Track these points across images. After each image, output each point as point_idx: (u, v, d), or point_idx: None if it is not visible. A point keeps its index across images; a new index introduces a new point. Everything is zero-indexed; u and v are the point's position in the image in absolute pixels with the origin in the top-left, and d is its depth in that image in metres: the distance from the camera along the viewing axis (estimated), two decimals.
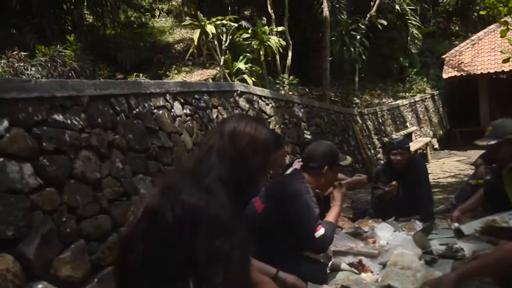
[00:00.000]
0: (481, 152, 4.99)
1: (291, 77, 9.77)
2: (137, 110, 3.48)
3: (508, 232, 2.57)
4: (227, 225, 1.35)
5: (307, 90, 11.27)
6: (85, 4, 11.91)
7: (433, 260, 2.85)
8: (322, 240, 2.34)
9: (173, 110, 4.06)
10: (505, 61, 12.25)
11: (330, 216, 2.58)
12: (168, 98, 3.99)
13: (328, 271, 2.61)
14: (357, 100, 12.21)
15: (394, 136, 4.18)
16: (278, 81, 9.34)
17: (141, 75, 8.92)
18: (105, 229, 2.88)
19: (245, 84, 6.04)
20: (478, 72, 14.60)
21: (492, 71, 14.26)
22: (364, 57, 12.62)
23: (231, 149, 1.48)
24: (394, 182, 3.83)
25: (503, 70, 13.87)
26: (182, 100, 4.28)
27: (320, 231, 2.33)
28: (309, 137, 7.21)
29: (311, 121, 7.74)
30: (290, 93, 9.14)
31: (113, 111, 3.17)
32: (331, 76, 11.69)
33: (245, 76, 6.96)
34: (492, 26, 15.05)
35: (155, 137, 3.66)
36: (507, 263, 1.96)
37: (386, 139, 4.25)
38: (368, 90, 13.99)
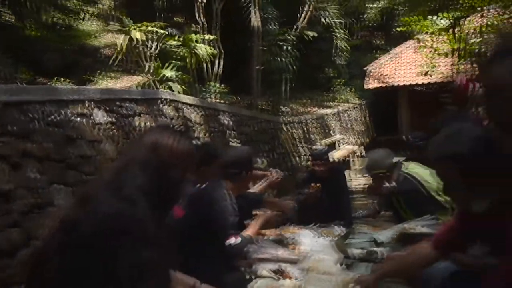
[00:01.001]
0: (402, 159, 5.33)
1: (222, 85, 9.80)
2: (54, 117, 3.32)
3: (418, 236, 2.74)
4: (148, 236, 1.32)
5: (236, 98, 11.35)
6: (5, 3, 11.19)
7: (353, 264, 2.98)
8: (233, 250, 2.42)
9: (94, 118, 3.91)
10: (420, 74, 13.18)
11: (249, 231, 2.66)
12: (88, 105, 3.85)
13: (248, 278, 2.63)
14: (286, 109, 12.49)
15: (316, 146, 4.37)
16: (207, 89, 9.32)
17: (65, 80, 8.53)
18: (17, 243, 2.71)
19: (172, 92, 5.97)
20: (398, 84, 15.53)
21: (409, 83, 15.22)
22: (293, 67, 12.95)
23: (153, 160, 1.47)
24: (318, 184, 4.00)
25: (419, 83, 14.86)
26: (104, 108, 4.14)
27: (232, 240, 2.37)
28: (239, 145, 7.25)
29: (240, 129, 7.80)
30: (219, 101, 9.16)
31: (27, 119, 3.01)
32: (260, 85, 11.87)
33: (173, 83, 6.88)
34: (409, 42, 16.08)
35: (75, 146, 3.51)
36: (418, 263, 2.09)
37: (313, 147, 4.43)
38: (296, 99, 14.35)
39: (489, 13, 10.27)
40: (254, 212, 3.48)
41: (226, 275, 2.38)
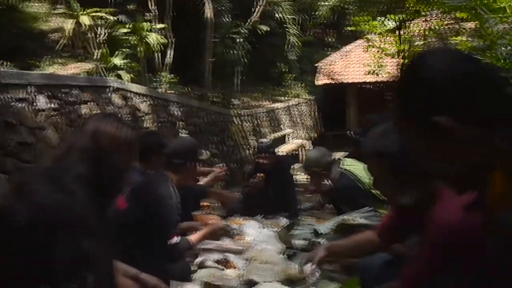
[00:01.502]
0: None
1: (171, 75, 9.67)
2: None
3: (357, 227, 2.86)
4: (87, 227, 1.30)
5: (187, 89, 11.25)
6: None
7: (294, 254, 3.06)
8: (174, 249, 2.41)
9: (36, 104, 3.77)
10: (368, 73, 13.59)
11: (193, 237, 2.67)
12: (30, 91, 3.70)
13: (194, 269, 2.65)
14: (237, 102, 12.52)
15: (261, 139, 4.41)
16: (157, 79, 9.18)
17: (8, 64, 8.10)
18: None
19: (120, 80, 5.83)
20: (347, 82, 15.94)
21: (358, 81, 15.66)
22: (245, 60, 12.98)
23: (92, 148, 1.45)
24: (261, 174, 4.07)
25: (367, 81, 15.32)
26: (47, 93, 3.99)
27: (175, 239, 2.39)
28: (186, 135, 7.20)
29: (190, 120, 7.75)
30: (169, 91, 9.04)
31: None
32: (212, 77, 11.82)
33: (122, 72, 6.72)
34: (359, 41, 16.51)
35: (14, 132, 3.36)
36: (361, 249, 2.22)
37: (259, 140, 4.45)
38: (248, 93, 14.41)
39: (432, 18, 10.73)
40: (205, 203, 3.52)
41: (170, 265, 2.38)
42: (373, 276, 1.98)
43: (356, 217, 2.89)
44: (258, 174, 4.11)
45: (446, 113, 0.88)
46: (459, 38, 10.28)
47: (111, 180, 1.49)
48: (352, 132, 4.61)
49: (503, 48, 3.74)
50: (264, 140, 4.41)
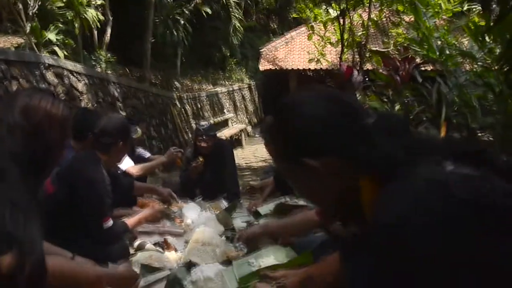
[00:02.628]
0: None
1: (110, 54, 9.29)
2: None
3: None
4: (18, 207, 1.21)
5: (126, 70, 10.87)
6: None
7: (234, 237, 3.07)
8: (109, 233, 2.33)
9: None
10: (310, 61, 13.81)
11: (130, 220, 2.58)
12: None
13: (132, 252, 2.58)
14: (178, 85, 12.28)
15: (201, 122, 4.34)
16: (94, 58, 8.78)
17: None
18: None
19: (54, 57, 5.52)
20: (290, 68, 16.13)
21: (301, 68, 15.90)
22: (186, 42, 12.72)
23: (24, 124, 1.35)
24: (200, 159, 4.03)
25: (309, 68, 15.57)
26: None
27: (109, 222, 2.31)
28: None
29: (128, 101, 7.52)
30: (107, 71, 8.69)
31: None
32: (152, 58, 11.49)
33: (56, 48, 6.34)
34: (303, 28, 16.72)
35: None
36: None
37: (200, 123, 4.38)
38: (189, 76, 14.18)
39: (373, 9, 11.05)
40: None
41: (105, 248, 2.30)
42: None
43: (297, 198, 2.93)
44: (198, 158, 4.07)
45: (313, 153, 0.98)
46: (398, 30, 10.70)
47: (46, 157, 1.40)
48: None
49: (439, 42, 3.91)
50: (203, 122, 4.34)
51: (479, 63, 3.63)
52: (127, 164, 3.70)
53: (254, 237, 2.29)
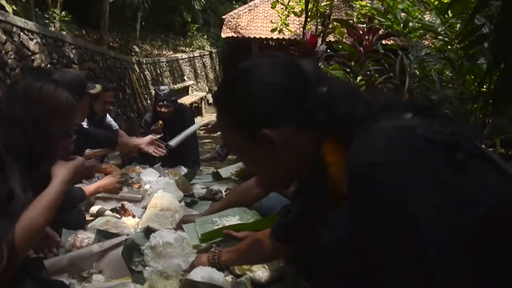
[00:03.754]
0: None
1: (64, 13, 8.81)
2: None
3: None
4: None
5: (83, 31, 10.38)
6: None
7: (194, 202, 3.03)
8: (64, 199, 2.16)
9: None
10: (273, 30, 13.68)
11: (88, 187, 2.48)
12: None
13: (88, 218, 2.49)
14: (137, 49, 11.90)
15: (161, 87, 4.21)
16: (47, 16, 8.30)
17: None
18: None
19: (2, 12, 5.16)
20: (252, 36, 15.93)
21: (263, 37, 15.73)
22: (147, 5, 12.26)
23: (24, 114, 1.28)
24: (160, 122, 3.95)
25: (272, 38, 15.44)
26: None
27: None
28: None
29: (84, 64, 7.20)
30: (62, 31, 8.25)
31: None
32: (111, 20, 11.01)
33: (3, 1, 5.90)
34: None
35: None
36: (248, 198, 2.24)
37: (159, 87, 4.23)
38: (149, 40, 13.75)
39: None
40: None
41: (60, 214, 2.19)
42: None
43: None
44: (157, 122, 3.97)
45: (269, 123, 0.93)
46: (362, 2, 10.71)
47: (46, 149, 1.35)
48: None
49: (403, 14, 3.92)
50: (163, 87, 4.21)
51: (439, 37, 3.68)
52: None
53: None
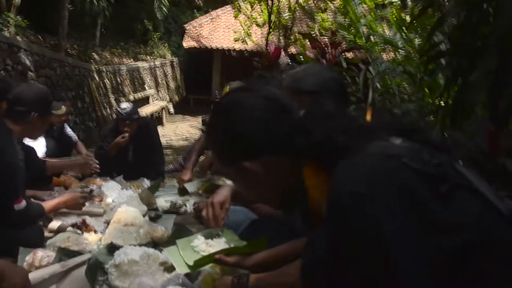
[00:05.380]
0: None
1: (19, 17, 8.48)
2: None
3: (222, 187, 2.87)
4: None
5: (39, 37, 10.03)
6: None
7: (158, 216, 2.96)
8: (20, 216, 2.03)
9: None
10: (236, 40, 13.74)
11: (47, 204, 2.36)
12: None
13: (47, 235, 2.38)
14: (96, 57, 11.61)
15: (122, 105, 3.99)
16: (1, 21, 7.97)
17: None
18: None
19: None
20: (214, 46, 15.90)
21: (225, 47, 15.73)
22: (107, 12, 12.01)
23: None
24: (126, 134, 3.83)
25: (234, 48, 15.46)
26: None
27: (21, 204, 2.02)
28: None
29: (41, 71, 6.96)
30: (16, 36, 7.94)
31: None
32: (69, 27, 10.70)
33: None
34: (228, 6, 16.51)
35: None
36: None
37: (120, 105, 4.01)
38: (109, 48, 13.46)
39: None
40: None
41: (17, 232, 2.06)
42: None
43: (223, 178, 2.89)
44: (123, 134, 3.83)
45: (250, 155, 1.01)
46: (323, 15, 10.92)
47: None
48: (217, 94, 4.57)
49: (365, 29, 4.03)
50: (124, 105, 3.99)
51: (400, 51, 3.80)
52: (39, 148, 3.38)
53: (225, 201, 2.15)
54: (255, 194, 1.12)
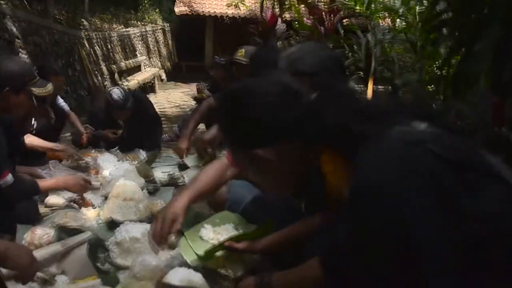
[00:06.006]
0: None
1: None
2: None
3: None
4: None
5: (25, 2, 9.70)
6: None
7: (156, 189, 2.92)
8: (7, 191, 1.89)
9: None
10: (229, 5, 13.43)
11: (43, 182, 2.21)
12: None
13: (45, 211, 2.33)
14: (86, 23, 11.30)
15: (114, 94, 3.65)
16: None
17: None
18: None
19: None
20: (206, 12, 15.54)
21: (218, 11, 15.38)
22: None
23: None
24: (119, 131, 3.76)
25: (227, 14, 15.13)
26: None
27: (7, 178, 1.88)
28: (25, 56, 6.28)
29: (29, 39, 6.75)
30: (1, 2, 7.66)
31: None
32: None
33: None
34: None
35: None
36: (218, 181, 2.13)
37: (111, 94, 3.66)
38: (98, 14, 13.09)
39: None
40: None
41: (6, 209, 1.97)
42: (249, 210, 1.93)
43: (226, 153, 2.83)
44: (115, 132, 3.74)
45: (264, 143, 0.98)
46: None
47: None
48: (216, 57, 4.43)
49: None
50: (116, 94, 3.66)
51: (400, 19, 3.71)
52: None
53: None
54: (268, 182, 1.09)
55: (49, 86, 2.27)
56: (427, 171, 0.76)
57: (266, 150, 0.98)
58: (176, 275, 1.36)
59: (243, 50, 3.20)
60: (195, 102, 6.28)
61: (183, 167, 3.25)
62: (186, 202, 1.60)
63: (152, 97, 9.91)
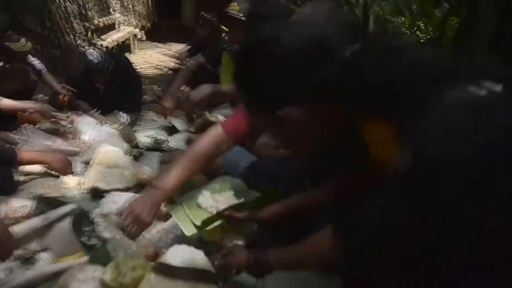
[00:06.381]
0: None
1: None
2: None
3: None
4: None
5: None
6: None
7: (140, 154, 2.75)
8: None
9: None
10: None
11: (24, 153, 2.08)
12: None
13: (21, 178, 2.14)
14: None
15: (90, 56, 3.33)
16: None
17: None
18: None
19: None
20: None
21: None
22: None
23: None
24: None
25: None
26: None
27: None
28: None
29: None
30: None
31: None
32: None
33: None
34: None
35: None
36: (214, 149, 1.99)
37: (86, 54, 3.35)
38: None
39: None
40: None
41: None
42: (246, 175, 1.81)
43: (216, 115, 2.69)
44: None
45: (295, 101, 0.82)
46: None
47: None
48: (203, 15, 4.16)
49: None
50: (93, 53, 3.40)
51: None
52: None
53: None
54: (291, 145, 0.95)
55: (25, 41, 2.06)
56: (494, 145, 0.65)
57: (292, 110, 0.83)
58: (176, 255, 1.22)
59: (236, 3, 2.95)
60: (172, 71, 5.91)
61: (171, 130, 3.08)
62: (176, 185, 1.42)
63: (129, 58, 9.56)
